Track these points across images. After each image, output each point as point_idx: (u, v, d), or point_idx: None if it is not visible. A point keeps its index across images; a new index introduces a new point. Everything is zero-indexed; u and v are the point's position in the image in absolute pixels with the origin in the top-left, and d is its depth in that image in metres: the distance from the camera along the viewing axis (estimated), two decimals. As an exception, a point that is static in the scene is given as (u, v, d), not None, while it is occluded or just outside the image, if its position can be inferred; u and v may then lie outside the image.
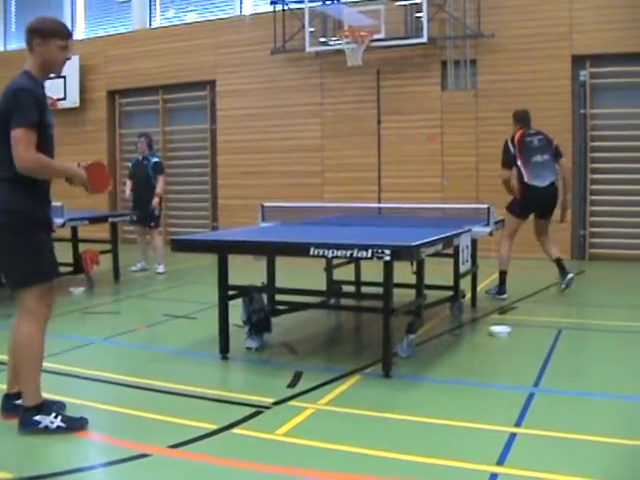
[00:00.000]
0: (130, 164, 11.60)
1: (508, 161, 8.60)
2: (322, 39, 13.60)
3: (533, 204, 8.63)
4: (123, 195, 11.94)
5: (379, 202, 13.07)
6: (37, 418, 4.13)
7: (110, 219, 10.67)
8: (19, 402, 4.29)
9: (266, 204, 7.68)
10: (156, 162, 11.10)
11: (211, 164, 15.27)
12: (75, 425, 4.19)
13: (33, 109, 3.98)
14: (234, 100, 14.74)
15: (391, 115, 13.33)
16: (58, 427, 4.13)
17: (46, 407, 4.20)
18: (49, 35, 4.12)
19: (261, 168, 14.37)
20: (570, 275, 8.85)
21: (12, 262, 4.11)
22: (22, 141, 3.92)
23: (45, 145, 4.09)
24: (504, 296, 8.53)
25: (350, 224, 7.28)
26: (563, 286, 8.83)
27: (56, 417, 4.16)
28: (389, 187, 13.26)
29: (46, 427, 4.12)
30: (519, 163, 8.53)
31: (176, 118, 15.77)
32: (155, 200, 10.93)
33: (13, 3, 18.29)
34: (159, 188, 10.99)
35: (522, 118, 8.86)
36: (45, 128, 4.09)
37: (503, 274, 8.66)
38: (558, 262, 8.90)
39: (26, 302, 4.15)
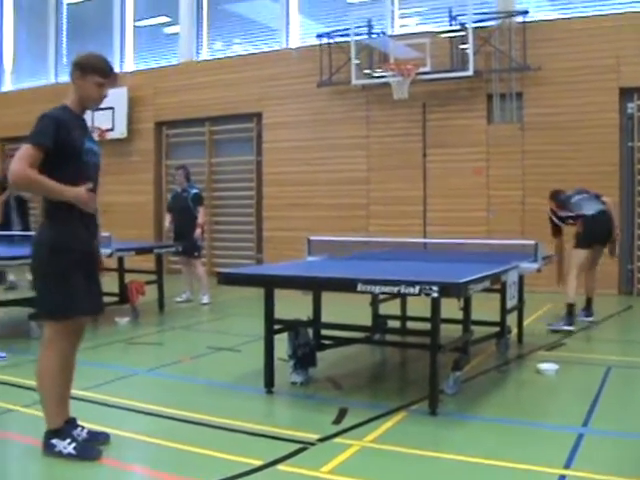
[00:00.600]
0: (170, 197, 11.73)
1: (555, 231, 9.17)
2: (368, 72, 13.65)
3: (593, 231, 8.86)
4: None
5: (424, 235, 13.06)
6: (53, 441, 4.23)
7: (156, 250, 10.76)
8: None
9: (312, 238, 7.71)
10: (196, 193, 11.22)
11: (256, 196, 15.36)
12: (86, 454, 4.23)
13: (49, 133, 4.03)
14: (280, 132, 14.85)
15: (437, 148, 13.33)
16: (69, 454, 4.21)
17: (63, 432, 4.27)
18: (89, 71, 4.21)
19: (307, 200, 14.41)
20: (592, 319, 9.04)
21: (41, 291, 4.20)
22: (21, 156, 3.98)
23: (81, 171, 4.17)
24: (571, 328, 8.51)
25: (396, 259, 7.27)
26: (583, 319, 9.02)
27: (70, 443, 4.23)
28: (434, 220, 13.23)
29: (60, 451, 4.21)
30: (569, 221, 9.02)
31: (222, 150, 15.92)
32: (197, 231, 11.03)
33: (64, 35, 18.63)
34: (201, 219, 11.11)
35: (562, 201, 9.12)
36: (79, 155, 4.16)
37: (571, 306, 8.67)
38: (588, 301, 9.16)
39: (47, 332, 4.24)
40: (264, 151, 15.17)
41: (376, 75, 13.57)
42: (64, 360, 4.23)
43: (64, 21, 18.89)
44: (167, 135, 16.47)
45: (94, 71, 4.21)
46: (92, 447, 4.29)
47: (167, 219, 11.54)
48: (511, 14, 12.80)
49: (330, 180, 14.26)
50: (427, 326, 5.33)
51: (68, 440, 4.23)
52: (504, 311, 7.15)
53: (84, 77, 4.20)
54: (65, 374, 4.26)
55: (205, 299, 11.19)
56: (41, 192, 4.14)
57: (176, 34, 16.70)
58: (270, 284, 5.77)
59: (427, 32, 13.37)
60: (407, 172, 13.57)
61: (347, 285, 5.24)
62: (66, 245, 4.13)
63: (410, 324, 7.90)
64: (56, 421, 4.26)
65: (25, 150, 3.98)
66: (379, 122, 13.89)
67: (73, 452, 4.20)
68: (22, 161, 3.96)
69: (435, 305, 5.13)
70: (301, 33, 15.40)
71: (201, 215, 11.14)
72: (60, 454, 4.20)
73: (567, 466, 4.21)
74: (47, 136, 4.02)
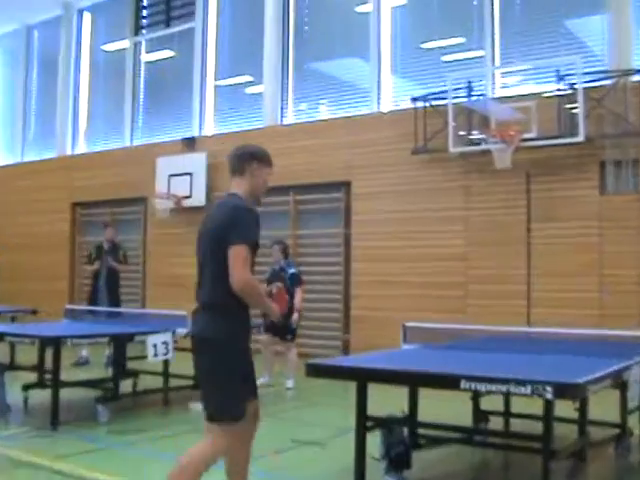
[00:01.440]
0: (266, 275, 11.74)
1: None
2: (467, 138, 13.67)
3: None
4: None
5: (528, 318, 12.84)
6: None
7: None
8: None
9: (408, 324, 7.65)
10: (294, 274, 11.45)
11: (344, 272, 15.36)
12: None
13: (254, 228, 4.47)
14: (371, 203, 14.93)
15: (542, 222, 13.15)
16: None
17: None
18: (265, 162, 4.78)
19: (398, 278, 14.34)
20: None
21: (218, 392, 4.49)
22: (241, 258, 4.33)
23: (253, 267, 4.51)
24: None
25: (500, 349, 7.14)
26: None
27: None
28: (540, 302, 12.97)
29: None
30: None
31: (308, 221, 16.06)
32: (295, 316, 11.20)
33: (141, 96, 19.21)
34: (298, 302, 11.25)
35: None
36: (256, 249, 4.53)
37: None
38: None
39: (223, 433, 4.51)
40: (353, 223, 15.24)
41: (476, 142, 13.56)
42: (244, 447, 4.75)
43: (141, 80, 19.62)
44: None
45: (268, 163, 4.80)
46: None
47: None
48: (626, 72, 12.65)
49: (424, 256, 14.19)
50: (536, 426, 5.16)
51: None
52: (625, 411, 6.89)
53: (261, 168, 4.73)
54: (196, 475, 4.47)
55: (290, 383, 11.28)
56: (255, 303, 4.57)
57: (259, 94, 17.05)
58: (363, 377, 5.73)
59: (532, 94, 13.28)
60: (509, 248, 13.40)
61: (449, 382, 5.16)
62: (245, 342, 4.58)
63: (515, 421, 7.71)
64: None
65: (241, 251, 4.35)
66: (478, 193, 13.82)
67: None
68: (245, 266, 4.35)
69: (548, 407, 5.01)
70: (394, 95, 15.53)
71: (298, 297, 11.31)
72: None
73: None
74: (255, 233, 4.49)
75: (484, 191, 13.74)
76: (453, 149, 13.58)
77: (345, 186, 15.36)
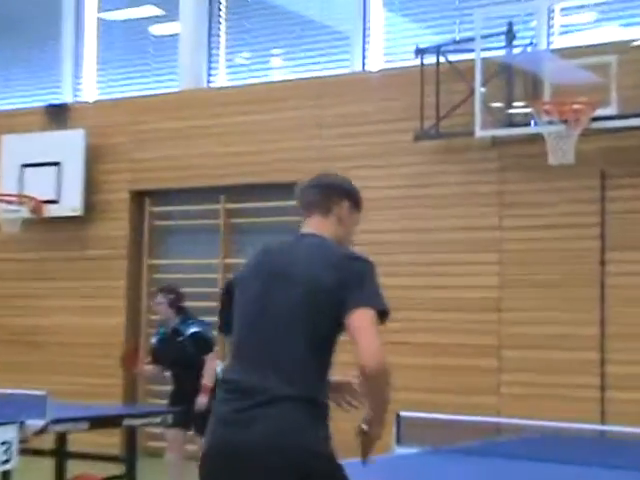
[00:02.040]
0: (153, 338, 12.03)
1: None
2: (502, 111, 13.35)
3: None
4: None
5: (602, 408, 12.39)
6: None
7: (126, 422, 10.45)
8: None
9: (404, 414, 7.27)
10: (195, 334, 11.38)
11: None
12: None
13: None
14: None
15: (625, 251, 12.72)
16: None
17: None
18: (359, 205, 5.01)
19: (391, 337, 13.41)
20: None
21: None
22: (374, 328, 4.31)
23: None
24: None
25: (555, 459, 6.61)
26: None
27: None
28: (620, 381, 12.50)
29: None
30: None
31: (248, 242, 15.50)
32: (201, 398, 10.88)
33: None
34: (207, 377, 11.03)
35: None
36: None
37: None
38: None
39: None
40: None
41: (518, 121, 13.25)
42: None
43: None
44: (152, 214, 16.33)
45: (360, 207, 5.03)
46: None
47: (150, 370, 12.04)
48: None
49: (433, 304, 13.77)
50: None
51: None
52: None
53: (352, 212, 4.94)
54: None
55: None
56: (384, 398, 4.47)
57: (173, 37, 16.81)
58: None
59: (613, 43, 13.01)
60: (570, 292, 12.93)
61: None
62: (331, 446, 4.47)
63: None
64: None
65: (374, 318, 4.36)
66: (522, 204, 13.42)
67: None
68: (380, 341, 4.32)
69: None
70: (389, 45, 15.31)
71: (208, 369, 11.13)
72: None
73: None
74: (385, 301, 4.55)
75: (531, 200, 13.35)
76: (482, 132, 13.15)
77: None
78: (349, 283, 4.39)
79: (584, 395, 12.42)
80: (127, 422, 10.46)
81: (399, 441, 7.07)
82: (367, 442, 4.47)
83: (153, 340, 12.14)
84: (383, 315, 4.42)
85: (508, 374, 13.11)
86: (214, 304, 14.40)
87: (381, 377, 4.30)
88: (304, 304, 4.41)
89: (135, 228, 16.41)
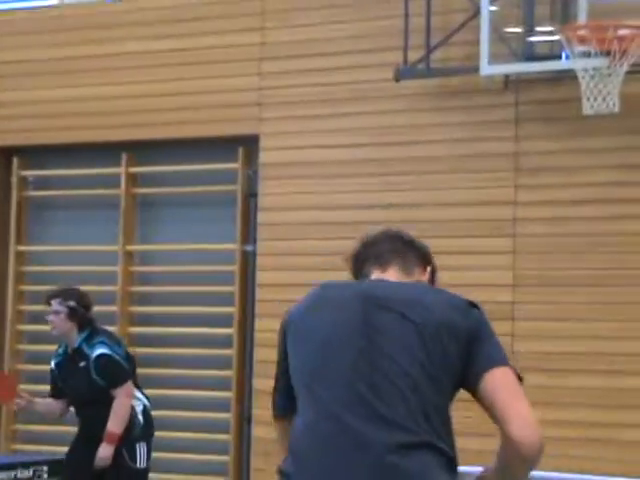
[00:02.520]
0: (52, 361, 11.72)
1: None
2: (520, 37, 13.22)
3: None
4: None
5: None
6: None
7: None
8: None
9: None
10: (102, 356, 11.08)
11: (239, 341, 15.05)
12: None
13: None
14: (299, 185, 14.50)
15: None
16: None
17: None
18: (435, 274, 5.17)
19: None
20: None
21: None
22: (523, 393, 4.47)
23: None
24: None
25: None
26: None
27: None
28: None
29: None
30: None
31: (161, 222, 15.83)
32: (103, 450, 10.68)
33: None
34: (114, 419, 10.82)
35: None
36: None
37: None
38: None
39: None
40: (260, 229, 14.90)
41: (541, 52, 13.19)
42: None
43: None
44: (23, 180, 16.27)
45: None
46: None
47: (50, 405, 11.74)
48: None
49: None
50: None
51: None
52: None
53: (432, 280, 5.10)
54: None
55: None
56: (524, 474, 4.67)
57: None
58: None
59: None
60: (611, 294, 12.88)
61: None
62: None
63: None
64: None
65: (516, 379, 4.53)
66: (544, 169, 13.42)
67: None
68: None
69: None
70: None
71: (119, 406, 10.89)
72: None
73: None
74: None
75: (557, 165, 13.32)
76: (490, 68, 13.04)
77: (246, 146, 14.93)
78: (479, 338, 4.55)
79: (628, 436, 12.41)
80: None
81: None
82: None
83: (52, 364, 11.71)
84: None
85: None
86: (113, 308, 14.50)
87: (536, 456, 4.36)
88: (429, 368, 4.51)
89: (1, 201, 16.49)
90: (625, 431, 12.58)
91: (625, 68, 12.05)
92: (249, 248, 15.05)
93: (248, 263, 15.03)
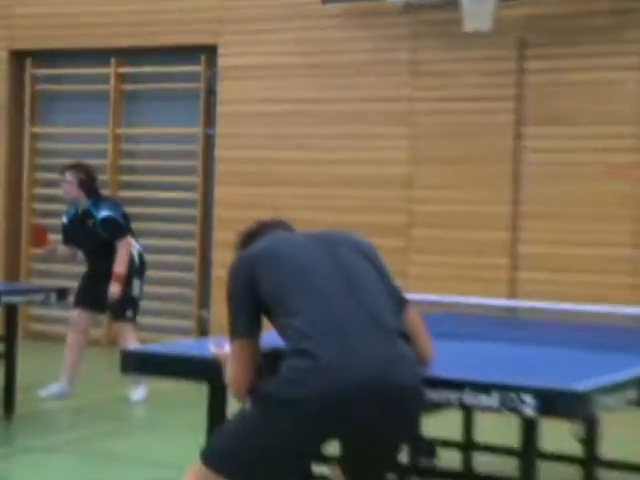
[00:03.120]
0: (64, 217, 11.95)
1: None
2: None
3: None
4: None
5: (512, 287, 12.97)
6: None
7: (4, 298, 10.44)
8: None
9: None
10: (106, 219, 11.39)
11: (202, 200, 15.39)
12: None
13: None
14: (250, 84, 14.83)
15: (543, 126, 13.23)
16: None
17: None
18: None
19: (294, 214, 13.86)
20: None
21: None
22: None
23: None
24: None
25: (458, 335, 7.09)
26: None
27: None
28: (532, 260, 13.10)
29: None
30: None
31: (141, 111, 16.00)
32: (114, 288, 11.05)
33: None
34: (119, 264, 11.20)
35: None
36: None
37: None
38: None
39: None
40: (218, 118, 15.17)
41: None
42: None
43: None
44: (34, 77, 16.43)
45: None
46: None
47: (61, 251, 12.05)
48: None
49: (337, 178, 14.15)
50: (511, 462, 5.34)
51: None
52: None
53: None
54: None
55: (138, 394, 11.23)
56: None
57: None
58: (214, 375, 5.43)
59: None
60: (483, 169, 13.41)
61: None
62: None
63: (480, 457, 7.82)
64: None
65: None
66: (434, 73, 13.78)
67: None
68: None
69: (529, 431, 4.95)
70: None
71: (120, 254, 11.26)
72: None
73: None
74: None
75: (444, 70, 13.72)
76: None
77: (207, 53, 15.26)
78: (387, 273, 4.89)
79: (495, 276, 12.95)
80: (6, 299, 10.42)
81: None
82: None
83: (64, 219, 12.03)
84: None
85: (417, 254, 13.56)
86: (105, 177, 14.91)
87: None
88: (372, 270, 4.78)
89: (15, 92, 16.42)
90: (476, 270, 13.32)
91: None
92: (210, 132, 15.24)
93: (209, 143, 15.20)
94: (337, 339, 4.43)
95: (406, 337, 4.60)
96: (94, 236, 11.36)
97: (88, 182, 11.51)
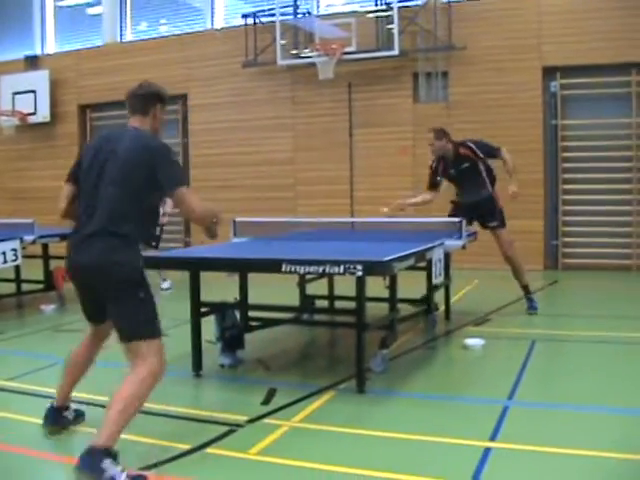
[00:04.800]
0: None
1: None
2: (294, 52, 13.64)
3: None
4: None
5: (352, 215, 13.11)
6: (105, 465, 3.59)
7: None
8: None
9: (238, 219, 7.60)
10: None
11: None
12: None
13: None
14: (206, 114, 14.71)
15: (363, 128, 13.39)
16: None
17: (115, 455, 3.68)
18: (166, 102, 4.39)
19: (234, 182, 14.34)
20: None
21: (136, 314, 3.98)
22: (192, 194, 4.10)
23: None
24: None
25: (323, 239, 7.26)
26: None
27: (122, 472, 3.63)
28: (361, 200, 13.28)
29: (112, 478, 3.58)
30: None
31: None
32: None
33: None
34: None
35: None
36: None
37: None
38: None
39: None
40: (190, 133, 15.02)
41: (301, 55, 13.53)
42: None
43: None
44: (91, 118, 16.13)
45: (166, 102, 4.42)
46: (139, 475, 3.77)
47: None
48: (436, -7, 12.78)
49: (257, 161, 14.17)
50: (355, 305, 5.33)
51: (120, 467, 3.64)
52: (430, 288, 7.17)
53: (162, 109, 4.37)
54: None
55: (166, 284, 10.90)
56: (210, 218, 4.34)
57: (99, 15, 16.33)
58: (195, 266, 5.75)
59: (353, 12, 13.41)
60: (333, 152, 13.58)
61: (272, 266, 5.25)
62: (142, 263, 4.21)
63: (339, 304, 7.83)
64: (115, 440, 3.72)
65: (187, 190, 4.10)
66: (305, 102, 13.85)
67: None
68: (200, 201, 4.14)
69: (360, 284, 5.15)
70: (226, 13, 15.28)
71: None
72: None
73: (493, 438, 4.31)
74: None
75: (310, 100, 13.81)
76: (281, 62, 13.53)
77: (182, 98, 15.04)
78: (159, 164, 4.03)
79: (343, 209, 13.21)
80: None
81: (235, 234, 7.44)
82: (210, 234, 4.32)
83: None
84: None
85: (301, 200, 13.76)
86: None
87: (205, 217, 4.19)
88: (124, 172, 3.99)
89: (81, 128, 16.11)
90: (331, 207, 13.99)
91: (335, 60, 12.64)
92: (185, 140, 14.95)
93: (186, 148, 14.96)
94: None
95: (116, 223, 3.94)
96: None
97: None
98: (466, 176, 8.15)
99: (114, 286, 3.93)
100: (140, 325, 3.96)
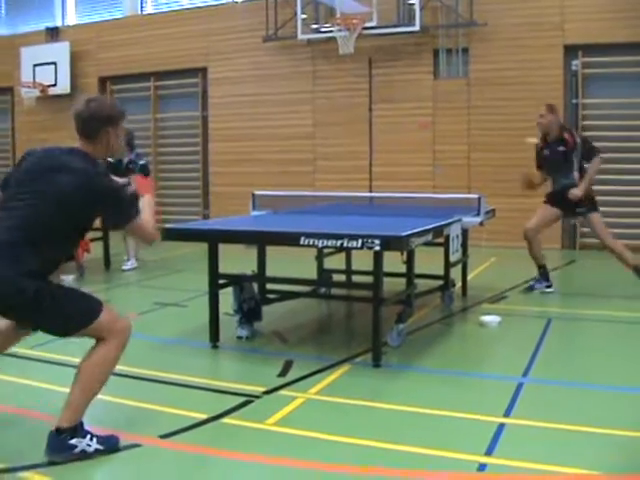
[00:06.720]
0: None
1: None
2: (314, 26, 13.53)
3: None
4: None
5: (370, 190, 13.03)
6: (73, 442, 3.67)
7: None
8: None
9: (257, 192, 7.65)
10: (144, 165, 10.37)
11: (202, 151, 15.16)
12: (110, 444, 3.81)
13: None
14: (226, 87, 14.67)
15: (383, 103, 13.29)
16: (96, 450, 3.72)
17: (80, 429, 3.71)
18: (121, 121, 3.90)
19: (253, 155, 14.33)
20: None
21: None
22: (143, 225, 3.91)
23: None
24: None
25: (341, 213, 7.30)
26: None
27: (92, 439, 3.72)
28: (380, 175, 13.23)
29: (84, 451, 3.67)
30: None
31: (167, 105, 15.64)
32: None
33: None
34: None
35: None
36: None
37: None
38: None
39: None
40: (210, 106, 14.97)
41: (322, 30, 13.42)
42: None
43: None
44: (111, 90, 16.07)
45: (123, 120, 3.93)
46: (109, 436, 3.84)
47: None
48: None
49: (276, 135, 14.13)
50: (372, 280, 5.34)
51: (89, 436, 3.71)
52: (448, 264, 7.20)
53: (116, 131, 3.86)
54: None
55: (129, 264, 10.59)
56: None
57: None
58: (213, 239, 5.80)
59: None
60: (353, 127, 13.50)
61: (290, 239, 5.28)
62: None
63: (356, 278, 7.87)
64: (79, 417, 3.72)
65: (138, 223, 3.88)
66: (325, 77, 13.78)
67: (100, 447, 3.74)
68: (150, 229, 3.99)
69: (377, 259, 5.16)
70: None
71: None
72: (85, 453, 3.68)
73: (507, 414, 4.33)
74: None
75: (330, 75, 13.72)
76: (301, 36, 13.44)
77: (202, 72, 15.00)
78: (103, 203, 3.71)
79: (361, 184, 13.10)
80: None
81: (254, 208, 7.52)
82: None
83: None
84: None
85: (319, 175, 13.68)
86: None
87: (156, 238, 4.02)
88: (59, 209, 3.60)
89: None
90: (351, 181, 13.96)
91: (355, 35, 12.47)
92: (205, 114, 14.88)
93: (206, 121, 14.92)
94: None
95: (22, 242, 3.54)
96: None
97: (131, 142, 9.92)
98: (556, 160, 8.00)
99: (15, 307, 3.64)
100: (68, 322, 3.79)
